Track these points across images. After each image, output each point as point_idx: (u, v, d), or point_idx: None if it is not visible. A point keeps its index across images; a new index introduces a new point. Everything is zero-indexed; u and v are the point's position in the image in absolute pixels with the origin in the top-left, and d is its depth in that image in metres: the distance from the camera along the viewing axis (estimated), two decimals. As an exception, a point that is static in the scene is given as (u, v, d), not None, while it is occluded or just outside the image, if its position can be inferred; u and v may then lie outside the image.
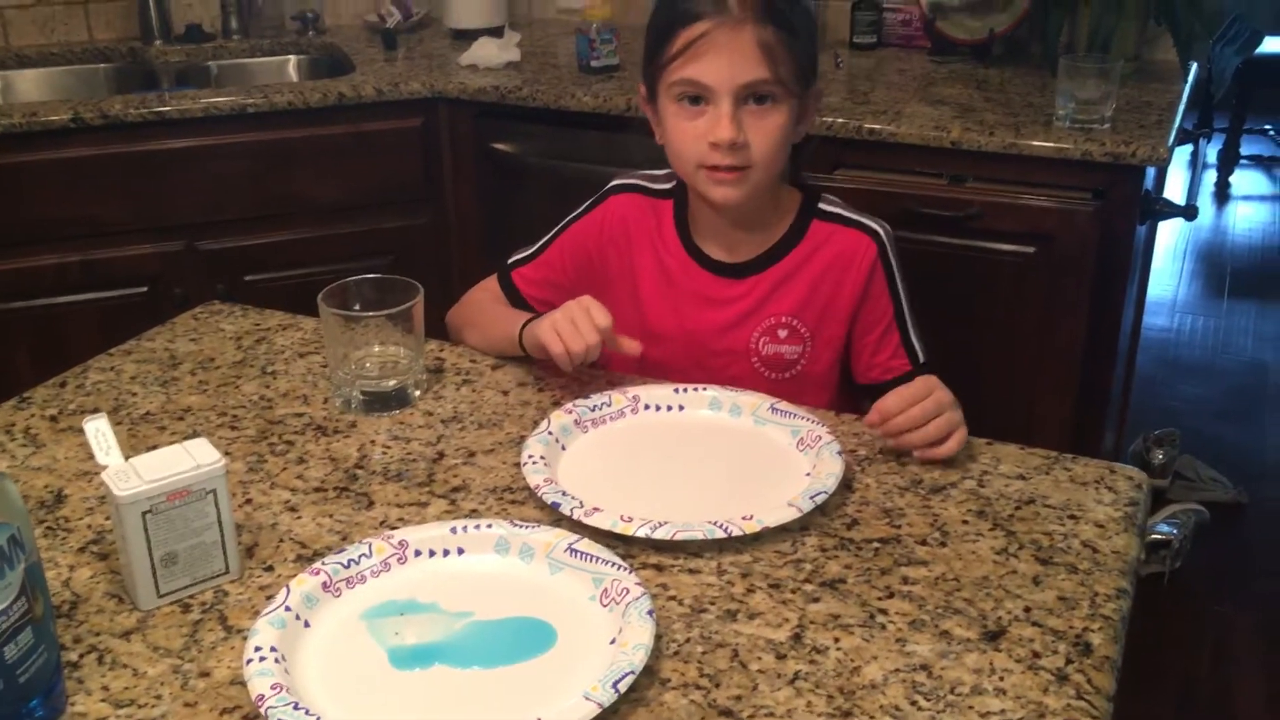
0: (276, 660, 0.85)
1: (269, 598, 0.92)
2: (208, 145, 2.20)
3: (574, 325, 1.20)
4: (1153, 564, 2.39)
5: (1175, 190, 4.42)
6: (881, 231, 1.35)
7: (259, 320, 1.44)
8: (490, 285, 1.46)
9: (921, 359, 1.36)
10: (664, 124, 1.31)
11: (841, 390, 1.40)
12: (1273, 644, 2.25)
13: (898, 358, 1.36)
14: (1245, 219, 4.47)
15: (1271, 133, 4.87)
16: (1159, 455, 2.68)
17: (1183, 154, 4.56)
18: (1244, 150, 4.66)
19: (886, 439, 1.13)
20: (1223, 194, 4.58)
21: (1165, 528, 2.44)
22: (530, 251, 1.45)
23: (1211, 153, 4.74)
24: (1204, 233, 4.29)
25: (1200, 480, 2.68)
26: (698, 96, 1.25)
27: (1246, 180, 4.70)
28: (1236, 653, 2.24)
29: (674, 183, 1.40)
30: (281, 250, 2.29)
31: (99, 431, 0.95)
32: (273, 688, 0.82)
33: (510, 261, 1.46)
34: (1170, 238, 4.12)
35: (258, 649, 0.85)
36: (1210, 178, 4.68)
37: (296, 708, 0.80)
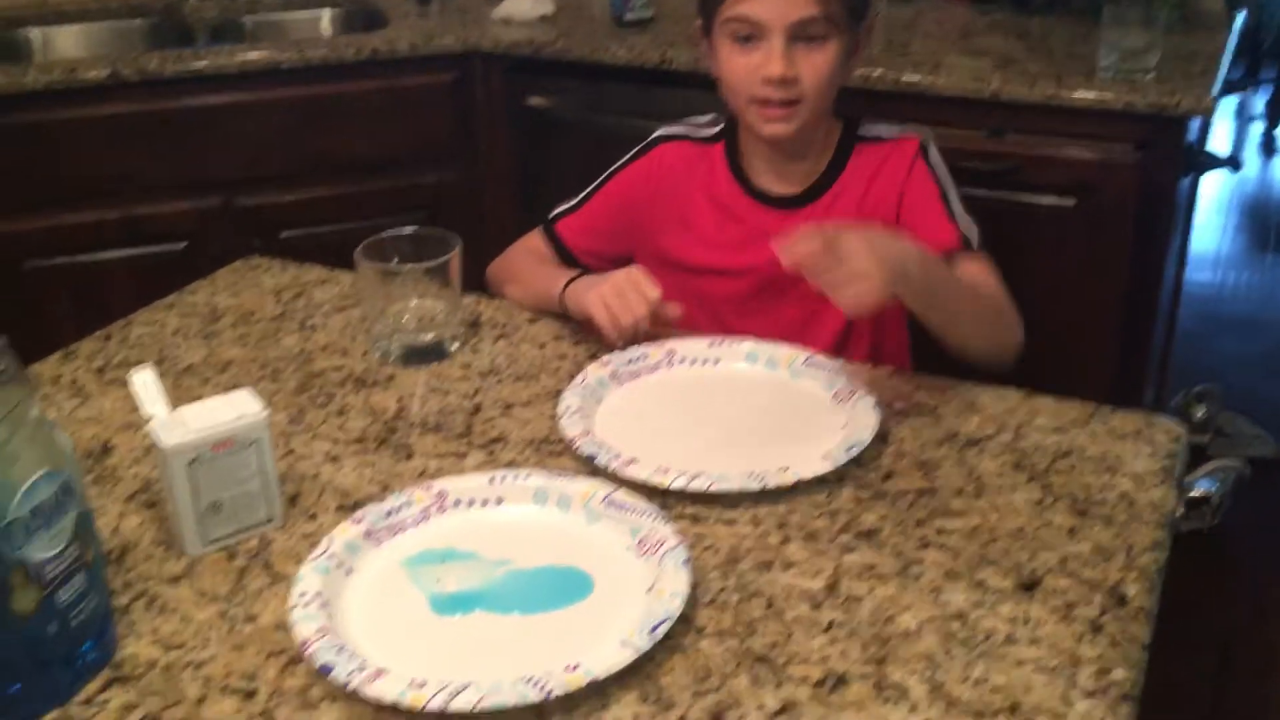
0: (321, 605, 0.87)
1: (312, 545, 0.94)
2: (243, 101, 2.21)
3: (622, 298, 1.20)
4: (1192, 520, 2.38)
5: (1221, 142, 4.34)
6: (922, 130, 1.37)
7: (298, 274, 1.46)
8: (534, 239, 1.46)
9: (974, 241, 1.31)
10: (718, 59, 1.33)
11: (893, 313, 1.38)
12: (1312, 601, 2.24)
13: (942, 233, 1.30)
14: (1291, 172, 4.39)
15: (1320, 83, 4.76)
16: (1200, 411, 2.65)
17: (1229, 105, 4.47)
18: (1291, 101, 4.56)
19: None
20: (1269, 146, 4.49)
21: (1205, 484, 2.41)
22: (574, 203, 1.46)
23: (1259, 104, 4.64)
24: (1249, 185, 4.21)
25: (1242, 436, 2.66)
26: (750, 34, 1.27)
27: (1293, 132, 4.60)
28: (1276, 610, 2.22)
29: (720, 126, 1.41)
30: (317, 206, 2.30)
31: (145, 383, 0.97)
32: (318, 631, 0.84)
33: (554, 215, 1.46)
34: (1215, 190, 4.05)
35: (303, 594, 0.87)
36: (1257, 129, 4.58)
37: (341, 651, 0.82)
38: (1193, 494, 2.40)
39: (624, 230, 1.41)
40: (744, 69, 1.28)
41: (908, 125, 1.38)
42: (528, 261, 1.43)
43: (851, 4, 1.28)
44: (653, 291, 1.20)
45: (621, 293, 1.21)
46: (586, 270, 1.37)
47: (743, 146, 1.39)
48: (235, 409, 0.95)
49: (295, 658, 0.84)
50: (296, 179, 2.28)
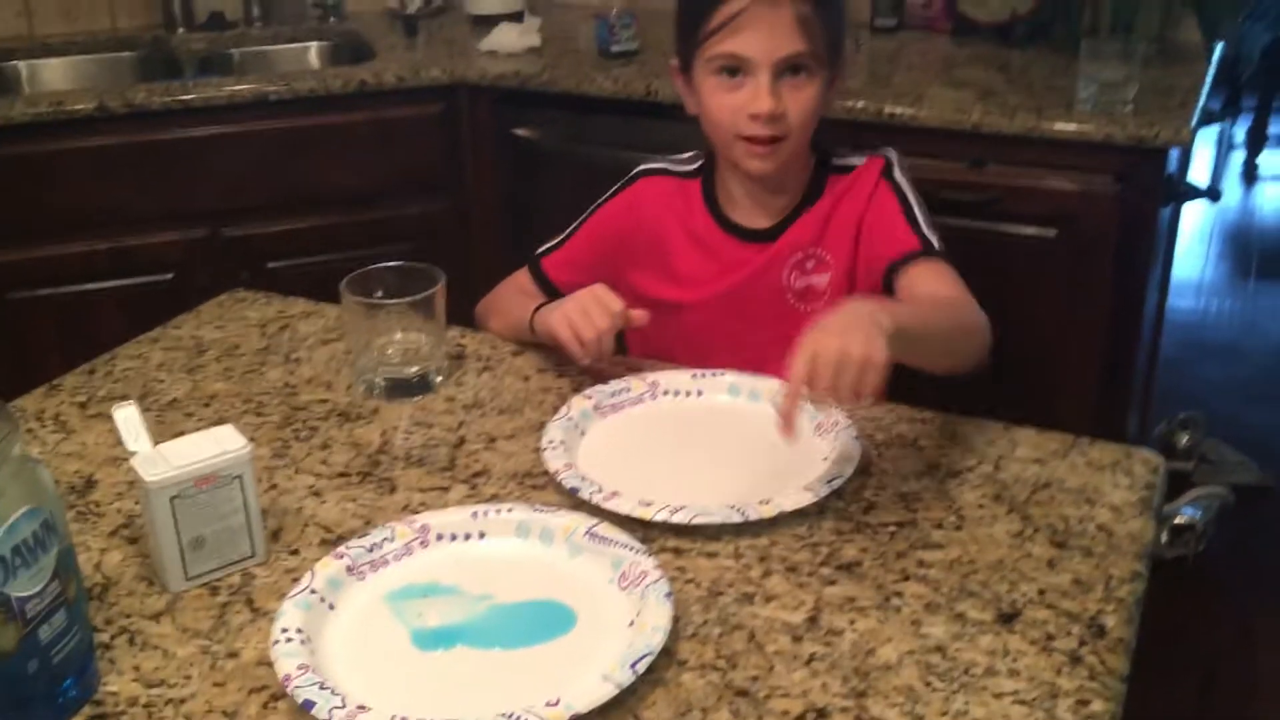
0: (302, 641, 0.87)
1: (294, 580, 0.94)
2: (231, 133, 2.22)
3: (585, 313, 1.21)
4: (1176, 548, 2.39)
5: (1202, 171, 4.39)
6: (889, 154, 1.37)
7: (283, 308, 1.46)
8: (521, 277, 1.47)
9: (936, 244, 1.30)
10: (700, 96, 1.33)
11: None
12: (1296, 627, 2.25)
13: (903, 239, 1.31)
14: (1273, 199, 4.42)
15: (1300, 112, 4.81)
16: (1184, 438, 2.67)
17: (1210, 135, 4.52)
18: (1272, 130, 4.61)
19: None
20: (1250, 174, 4.53)
21: (1189, 511, 2.43)
22: (559, 240, 1.47)
23: (1239, 133, 4.69)
24: (1231, 214, 4.25)
25: (1225, 463, 2.67)
26: (736, 69, 1.28)
27: (1275, 160, 4.65)
28: (1260, 637, 2.23)
29: (699, 163, 1.43)
30: (304, 237, 2.31)
31: (128, 419, 0.97)
32: (299, 668, 0.84)
33: (539, 252, 1.47)
34: (1197, 219, 4.09)
35: (284, 630, 0.87)
36: (1238, 158, 4.63)
37: (323, 687, 0.82)
38: (1177, 521, 2.41)
39: (606, 264, 1.42)
40: (730, 106, 1.29)
41: (877, 149, 1.39)
42: (510, 296, 1.44)
43: (832, 39, 1.30)
44: (615, 304, 1.21)
45: (584, 308, 1.21)
46: None
47: (720, 182, 1.40)
48: (218, 444, 0.95)
49: (277, 694, 0.84)
50: (283, 210, 2.29)
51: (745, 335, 1.36)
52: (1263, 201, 4.40)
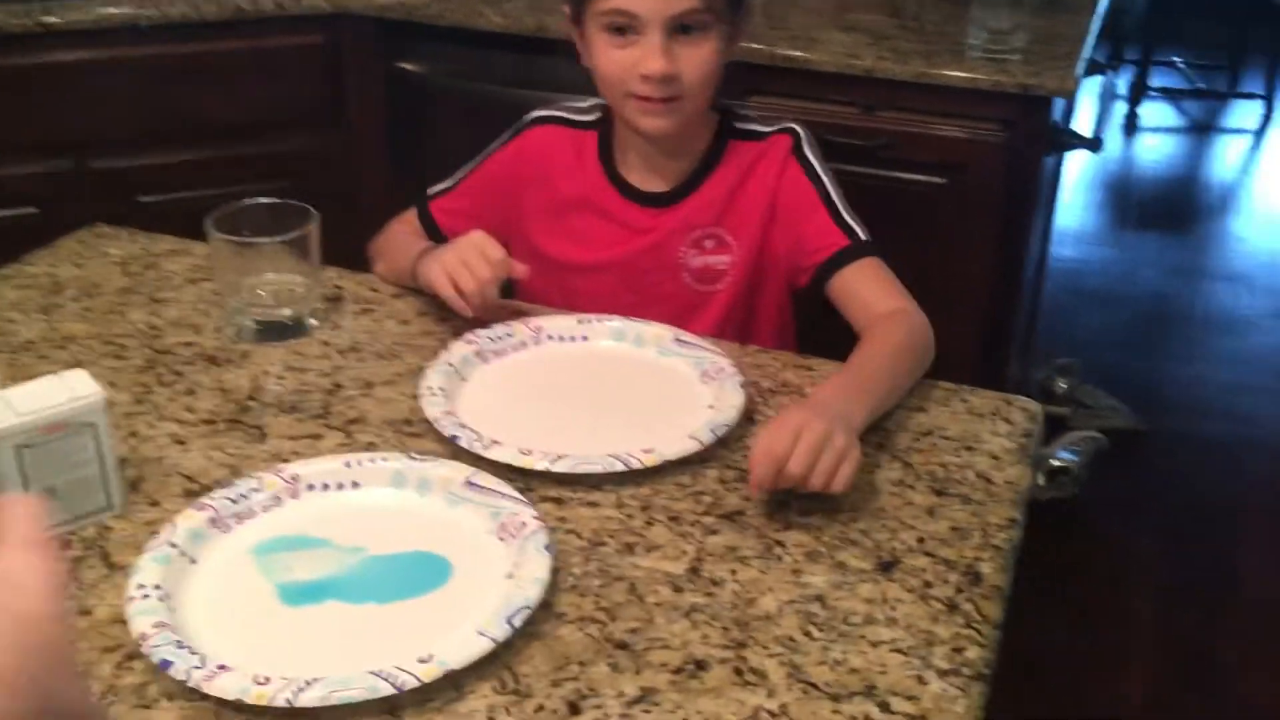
0: (161, 598, 0.83)
1: (154, 534, 0.89)
2: (98, 59, 2.10)
3: (464, 264, 1.16)
4: (1052, 489, 2.46)
5: (1085, 122, 4.48)
6: (797, 128, 1.32)
7: (147, 245, 1.39)
8: (409, 217, 1.41)
9: (863, 236, 1.27)
10: (591, 51, 1.26)
11: (782, 310, 1.37)
12: (1167, 569, 2.34)
13: (829, 235, 1.27)
14: (1153, 150, 4.55)
15: (1181, 65, 4.94)
16: (1061, 384, 2.74)
17: (1093, 86, 4.61)
18: (1153, 83, 4.73)
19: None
20: (1131, 126, 4.65)
21: (1065, 454, 2.50)
22: (448, 183, 1.40)
23: (1121, 84, 4.79)
24: (1113, 164, 4.35)
25: (1100, 408, 2.75)
26: (625, 25, 1.21)
27: (1155, 112, 4.77)
28: (1131, 577, 2.32)
29: (598, 114, 1.35)
30: (178, 171, 2.20)
31: (-32, 363, 0.91)
32: (156, 625, 0.80)
33: (429, 193, 1.41)
34: (1080, 169, 4.18)
35: (140, 586, 0.83)
36: (1121, 110, 4.74)
37: (180, 645, 0.78)
38: (1053, 464, 2.48)
39: (496, 215, 1.35)
40: (620, 64, 1.22)
41: (783, 122, 1.33)
42: (399, 237, 1.38)
43: None
44: (496, 253, 1.16)
45: (464, 259, 1.16)
46: None
47: (617, 139, 1.33)
48: (70, 390, 0.90)
49: (133, 653, 0.80)
50: (156, 142, 2.18)
51: (637, 309, 1.30)
52: (1142, 152, 4.52)
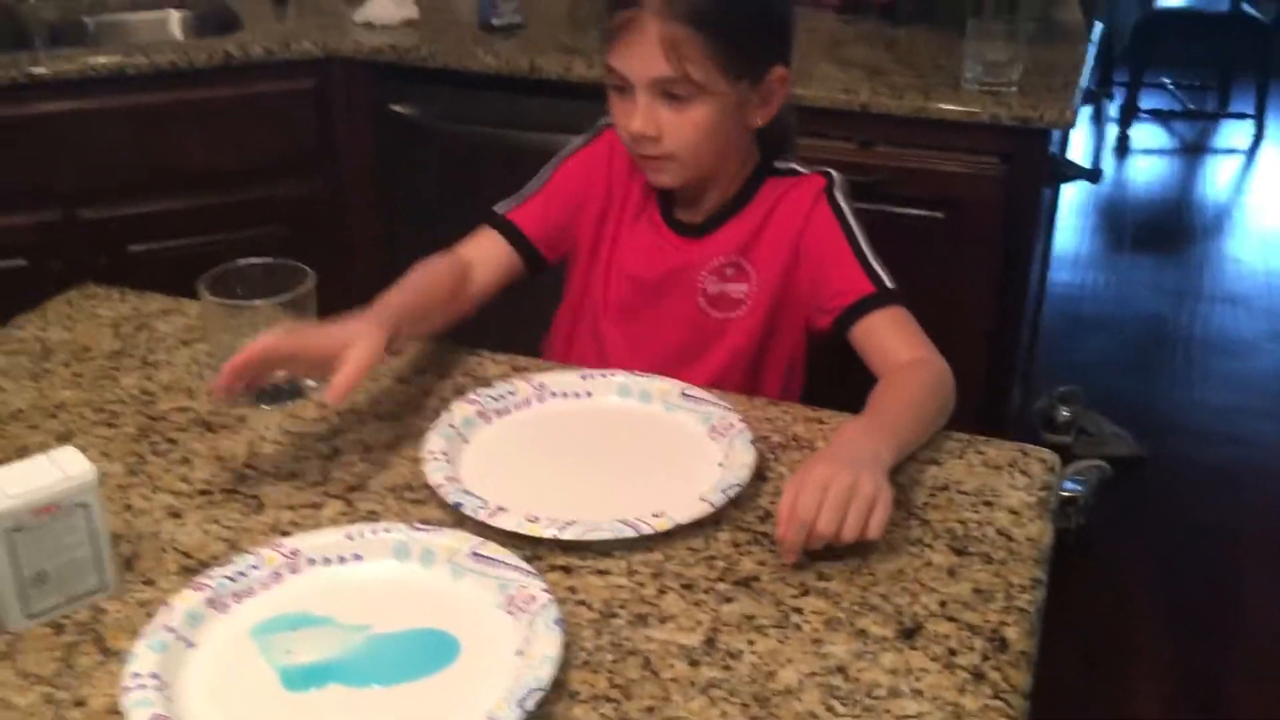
0: (158, 688, 0.79)
1: (149, 615, 0.86)
2: (86, 109, 2.08)
3: (251, 351, 1.02)
4: (1058, 521, 2.43)
5: (1079, 148, 4.48)
6: (832, 173, 1.31)
7: (139, 305, 1.36)
8: (469, 245, 1.31)
9: (889, 284, 1.25)
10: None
11: (795, 348, 1.35)
12: (1173, 595, 2.31)
13: (855, 280, 1.25)
14: (1144, 172, 4.55)
15: (1170, 86, 4.95)
16: (1063, 412, 2.72)
17: (1086, 112, 4.62)
18: (1143, 105, 4.74)
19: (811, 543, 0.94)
20: (1123, 148, 4.65)
21: (1071, 485, 2.48)
22: (524, 193, 1.35)
23: (1113, 108, 4.80)
24: (1106, 188, 4.35)
25: (1103, 435, 2.73)
26: (621, 85, 1.21)
27: (1146, 134, 4.78)
28: (1137, 605, 2.29)
29: None
30: (168, 219, 2.18)
31: (-46, 444, 0.88)
32: (153, 718, 0.77)
33: (500, 210, 1.34)
34: (1074, 193, 4.18)
35: (136, 675, 0.80)
36: (1112, 133, 4.75)
37: (179, 740, 0.75)
38: (1060, 494, 2.45)
39: (572, 225, 1.33)
40: (618, 119, 1.23)
41: (820, 168, 1.32)
42: (412, 278, 1.24)
43: (721, 61, 1.17)
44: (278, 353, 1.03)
45: (262, 346, 1.02)
46: (542, 267, 1.34)
47: None
48: (60, 469, 0.87)
49: (130, 748, 0.77)
50: (145, 191, 2.17)
51: (653, 325, 1.31)
52: (1135, 174, 4.53)
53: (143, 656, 0.81)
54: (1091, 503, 2.49)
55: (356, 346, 1.02)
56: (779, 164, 1.33)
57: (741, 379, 1.30)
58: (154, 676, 0.80)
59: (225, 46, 2.15)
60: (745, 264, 1.30)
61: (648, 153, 1.22)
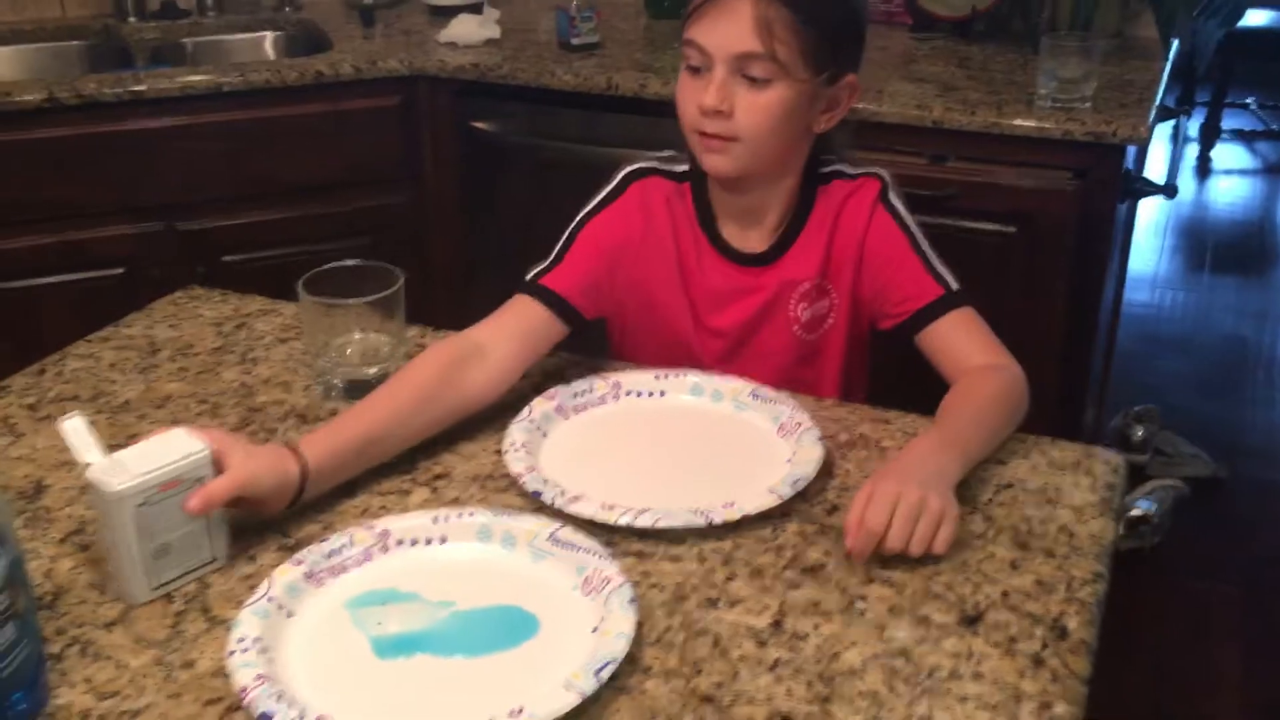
0: (260, 651, 0.85)
1: (252, 588, 0.92)
2: (184, 125, 2.18)
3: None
4: (1132, 540, 2.42)
5: (1157, 166, 4.43)
6: (883, 173, 1.32)
7: (239, 305, 1.43)
8: (451, 341, 1.22)
9: (954, 286, 1.27)
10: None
11: (860, 348, 1.37)
12: (1250, 619, 2.28)
13: (922, 284, 1.27)
14: (1226, 193, 4.49)
15: (1253, 106, 4.88)
16: (1139, 431, 2.70)
17: (1165, 130, 4.57)
18: (1225, 125, 4.68)
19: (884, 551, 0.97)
20: (1204, 169, 4.60)
21: (1145, 504, 2.46)
22: (551, 259, 1.30)
23: (1194, 128, 4.74)
24: (1185, 208, 4.30)
25: (1180, 456, 2.70)
26: (699, 64, 1.22)
27: (1228, 155, 4.72)
28: (1214, 628, 2.26)
29: (687, 165, 1.33)
30: (260, 231, 2.27)
31: (76, 430, 0.95)
32: (256, 679, 0.82)
33: (532, 276, 1.28)
34: (1152, 213, 4.14)
35: (241, 640, 0.86)
36: (1192, 152, 4.69)
37: (280, 698, 0.81)
38: (1132, 513, 2.44)
39: (606, 284, 1.30)
40: (687, 95, 1.23)
41: (868, 168, 1.33)
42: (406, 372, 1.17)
43: (808, 48, 1.19)
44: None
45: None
46: (582, 327, 1.28)
47: (712, 198, 1.32)
48: (176, 448, 0.93)
49: (234, 705, 0.82)
50: (239, 203, 2.26)
51: (746, 367, 1.28)
52: (1216, 195, 4.47)
53: (247, 622, 0.87)
54: (1167, 523, 2.47)
55: (235, 468, 0.97)
56: (823, 169, 1.32)
57: (832, 389, 1.34)
58: (257, 640, 0.86)
59: (316, 65, 2.24)
60: (826, 283, 1.31)
61: (714, 130, 1.21)
